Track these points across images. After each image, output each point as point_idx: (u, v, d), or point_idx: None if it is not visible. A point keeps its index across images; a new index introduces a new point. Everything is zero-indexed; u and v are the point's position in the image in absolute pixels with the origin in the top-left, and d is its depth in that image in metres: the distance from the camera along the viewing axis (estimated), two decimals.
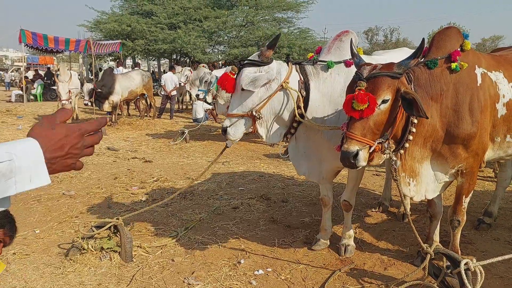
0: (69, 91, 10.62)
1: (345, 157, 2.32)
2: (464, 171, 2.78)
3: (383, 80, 2.35)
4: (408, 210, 4.06)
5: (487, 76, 2.75)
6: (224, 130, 2.83)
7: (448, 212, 3.03)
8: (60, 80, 10.62)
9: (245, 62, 2.79)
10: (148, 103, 12.81)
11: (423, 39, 2.40)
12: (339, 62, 2.97)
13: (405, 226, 3.96)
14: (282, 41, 22.14)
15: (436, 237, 3.24)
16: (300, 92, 2.85)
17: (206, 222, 4.13)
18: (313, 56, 3.11)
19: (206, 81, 10.27)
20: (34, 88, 19.04)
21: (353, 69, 2.76)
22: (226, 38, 24.16)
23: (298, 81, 2.87)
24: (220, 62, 25.71)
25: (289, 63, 2.92)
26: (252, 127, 2.84)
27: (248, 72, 2.73)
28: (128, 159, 7.17)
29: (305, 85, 2.89)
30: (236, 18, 23.15)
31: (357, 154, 2.30)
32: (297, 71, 2.91)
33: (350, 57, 2.82)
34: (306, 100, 2.89)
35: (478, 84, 2.69)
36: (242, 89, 2.73)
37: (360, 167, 2.42)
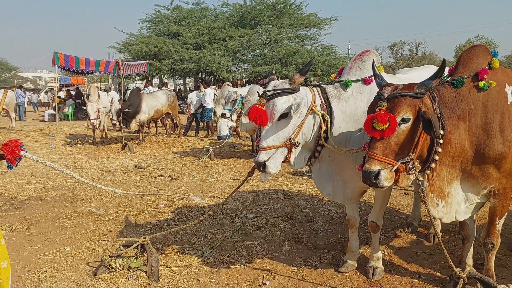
0: (98, 110, 10.96)
1: (366, 176, 2.34)
2: (497, 192, 2.69)
3: (403, 100, 2.37)
4: (439, 231, 3.95)
5: None
6: (263, 165, 2.70)
7: (481, 235, 2.91)
8: (90, 100, 11.01)
9: (277, 91, 2.74)
10: (174, 121, 13.04)
11: (444, 60, 2.42)
12: (357, 81, 2.96)
13: (436, 248, 3.83)
14: (306, 58, 22.29)
15: (469, 260, 3.11)
16: (323, 117, 2.84)
17: (231, 242, 4.13)
18: (336, 77, 3.12)
19: (232, 100, 10.43)
20: (66, 108, 19.81)
21: (374, 86, 2.75)
22: (249, 56, 24.56)
23: (320, 104, 2.87)
24: (244, 80, 26.08)
25: (311, 87, 2.93)
26: (287, 156, 2.80)
27: (283, 102, 2.69)
28: (155, 177, 7.30)
29: (328, 108, 2.88)
30: (259, 36, 23.56)
31: (378, 173, 2.32)
32: (319, 94, 2.91)
33: (369, 75, 2.83)
34: (330, 123, 2.87)
35: (509, 103, 2.63)
36: (278, 119, 2.69)
37: (385, 187, 2.39)
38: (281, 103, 2.70)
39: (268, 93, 2.75)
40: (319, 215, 4.92)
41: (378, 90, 2.54)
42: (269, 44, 24.00)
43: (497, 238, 2.82)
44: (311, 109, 2.80)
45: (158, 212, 5.20)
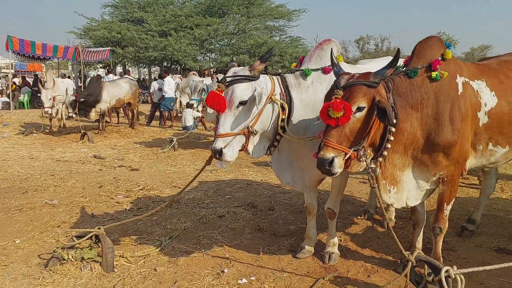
0: (53, 98, 10.44)
1: (321, 163, 2.37)
2: (445, 179, 2.79)
3: (359, 88, 2.41)
4: (388, 217, 4.09)
5: (469, 84, 2.79)
6: (219, 152, 2.66)
7: (430, 220, 3.03)
8: (45, 87, 10.49)
9: (237, 78, 2.69)
10: (133, 111, 12.32)
11: (398, 49, 2.47)
12: (316, 70, 2.98)
13: (389, 233, 3.93)
14: (274, 50, 22.27)
15: (419, 244, 3.24)
16: (282, 106, 2.83)
17: (191, 231, 4.09)
18: (297, 66, 3.12)
19: (199, 90, 10.27)
20: (21, 96, 18.83)
21: (333, 77, 2.78)
22: (217, 46, 24.23)
23: (280, 93, 2.85)
24: (211, 70, 25.78)
25: (271, 75, 2.91)
26: (244, 144, 2.77)
27: (242, 89, 2.66)
28: (115, 168, 7.10)
29: (287, 97, 2.88)
30: (227, 26, 23.28)
31: (332, 161, 2.35)
32: (278, 83, 2.90)
33: (329, 65, 2.85)
34: (288, 111, 2.87)
35: (459, 93, 2.72)
36: (237, 107, 2.66)
37: (337, 174, 2.43)
38: (241, 90, 2.66)
39: (228, 79, 2.70)
40: (280, 203, 4.96)
41: (335, 79, 2.55)
42: (237, 34, 23.77)
43: (444, 223, 2.94)
44: (270, 97, 2.79)
45: (116, 202, 5.06)
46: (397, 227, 4.11)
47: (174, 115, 15.36)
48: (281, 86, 2.90)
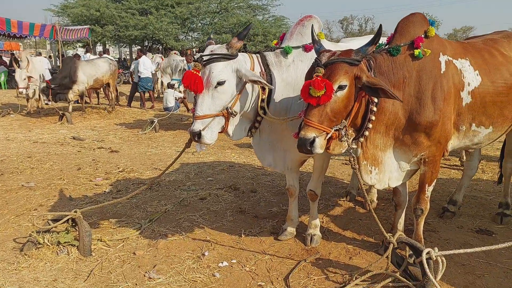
0: (28, 78, 10.02)
1: (302, 144, 2.31)
2: (427, 160, 2.77)
3: (340, 66, 2.34)
4: (370, 198, 4.10)
5: (452, 63, 2.73)
6: (198, 135, 2.56)
7: (411, 201, 3.03)
8: (20, 67, 10.06)
9: (214, 56, 2.55)
10: (112, 92, 11.86)
11: (380, 25, 2.39)
12: (298, 47, 2.88)
13: (371, 215, 3.95)
14: (257, 29, 21.98)
15: (401, 226, 3.25)
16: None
17: (171, 214, 4.02)
18: (278, 44, 3.02)
19: (180, 70, 10.02)
20: None
21: (314, 55, 2.70)
22: (199, 25, 23.80)
23: (260, 72, 2.75)
24: (194, 50, 25.30)
25: (250, 54, 2.81)
26: (224, 126, 2.67)
27: (220, 68, 2.53)
28: (94, 149, 6.92)
29: (268, 76, 2.78)
30: (209, 4, 22.82)
31: (313, 141, 2.30)
32: (258, 62, 2.80)
33: (310, 42, 2.76)
34: (269, 91, 2.78)
35: (442, 72, 2.67)
36: (215, 87, 2.53)
37: (317, 154, 2.37)
38: (218, 70, 2.54)
39: (204, 58, 2.57)
40: (263, 185, 4.92)
41: (316, 56, 2.48)
42: (220, 13, 23.31)
43: (426, 204, 2.94)
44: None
45: (95, 185, 4.94)
46: (379, 209, 4.13)
47: (156, 95, 15.10)
48: (261, 64, 2.80)
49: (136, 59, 14.82)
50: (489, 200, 4.40)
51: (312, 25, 2.80)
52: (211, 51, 2.61)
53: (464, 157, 5.62)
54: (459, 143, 2.96)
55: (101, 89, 12.28)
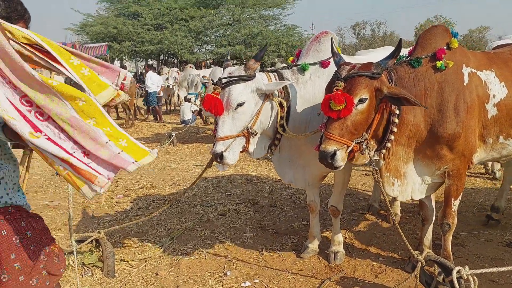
0: None
1: (323, 157, 2.31)
2: (451, 173, 2.71)
3: (360, 80, 2.33)
4: (394, 212, 4.01)
5: (476, 75, 2.67)
6: (220, 156, 2.56)
7: (438, 216, 2.94)
8: None
9: (232, 79, 2.56)
10: (132, 109, 11.74)
11: (400, 40, 2.36)
12: (314, 64, 2.86)
13: (395, 229, 3.87)
14: (269, 39, 22.06)
15: (428, 241, 3.15)
16: (280, 103, 2.72)
17: (192, 231, 4.01)
18: (294, 60, 3.00)
19: (196, 84, 10.11)
20: None
21: (332, 69, 2.69)
22: (213, 37, 24.02)
23: (278, 90, 2.74)
24: (208, 62, 25.56)
25: (267, 72, 2.80)
26: (245, 145, 2.67)
27: (240, 90, 2.54)
28: None
29: (285, 94, 2.77)
30: (222, 17, 23.01)
31: (334, 154, 2.29)
32: (275, 79, 2.79)
33: (326, 58, 2.79)
34: (288, 109, 2.76)
35: (465, 84, 2.61)
36: (235, 108, 2.54)
37: (339, 167, 2.36)
38: (238, 92, 2.54)
39: (223, 81, 2.57)
40: (282, 199, 4.87)
41: (336, 69, 2.47)
42: (233, 24, 23.51)
43: (453, 218, 2.85)
44: (268, 96, 2.68)
45: (116, 202, 4.98)
46: (403, 222, 4.03)
47: (173, 108, 15.28)
48: None
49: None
50: None
51: (332, 38, 2.79)
52: (229, 73, 2.60)
53: (489, 165, 5.50)
54: (486, 155, 2.87)
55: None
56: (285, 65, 3.01)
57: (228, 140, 2.57)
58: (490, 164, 5.43)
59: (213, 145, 2.62)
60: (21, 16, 1.68)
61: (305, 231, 3.79)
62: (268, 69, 2.90)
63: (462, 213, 4.09)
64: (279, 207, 4.60)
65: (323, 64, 2.85)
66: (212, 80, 7.48)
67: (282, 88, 2.75)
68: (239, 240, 3.77)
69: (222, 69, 8.72)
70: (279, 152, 3.03)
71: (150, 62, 30.59)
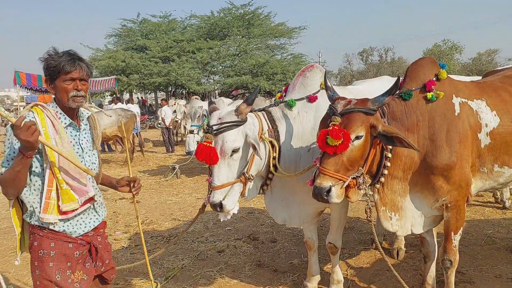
0: None
1: (317, 192, 2.26)
2: (449, 205, 2.61)
3: (357, 116, 2.30)
4: (398, 246, 3.85)
5: (467, 105, 2.63)
6: (219, 205, 2.47)
7: (438, 252, 2.80)
8: None
9: (225, 125, 2.44)
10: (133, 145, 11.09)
11: (398, 78, 2.38)
12: (301, 99, 2.81)
13: (399, 264, 3.70)
14: (276, 68, 22.31)
15: (431, 278, 2.99)
16: (272, 143, 2.65)
17: (188, 270, 3.88)
18: (282, 96, 2.96)
19: (199, 116, 10.16)
20: None
21: (320, 104, 2.68)
22: (220, 68, 24.36)
23: (268, 130, 2.68)
24: (216, 92, 25.86)
25: (256, 112, 2.74)
26: (242, 190, 2.57)
27: (233, 137, 2.44)
28: (116, 200, 6.94)
29: (276, 133, 2.71)
30: (229, 48, 23.41)
31: (330, 190, 2.25)
32: (265, 118, 2.73)
33: (313, 92, 2.76)
34: (278, 147, 2.69)
35: (456, 114, 2.58)
36: (231, 155, 2.45)
37: (335, 202, 2.29)
38: (232, 138, 2.43)
39: (214, 128, 2.45)
40: (283, 234, 4.73)
41: (330, 103, 2.44)
42: (239, 55, 23.88)
43: (454, 254, 2.72)
44: (260, 137, 2.61)
45: (114, 240, 4.88)
46: (407, 257, 3.85)
47: (179, 139, 15.36)
48: (268, 121, 2.73)
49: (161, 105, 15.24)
50: None
51: (325, 70, 2.76)
52: (219, 118, 2.50)
53: (498, 193, 5.30)
54: (483, 185, 2.79)
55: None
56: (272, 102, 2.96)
57: (226, 188, 2.47)
58: (499, 192, 5.23)
59: (209, 195, 2.50)
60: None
61: (306, 268, 3.63)
62: (256, 108, 2.84)
63: (470, 246, 3.90)
64: (279, 242, 4.46)
65: (311, 99, 2.80)
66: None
67: (272, 126, 2.69)
68: (236, 279, 3.63)
69: (223, 99, 8.74)
70: (270, 191, 2.93)
71: (159, 94, 31.15)
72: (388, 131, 2.29)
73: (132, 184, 2.25)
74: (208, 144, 2.40)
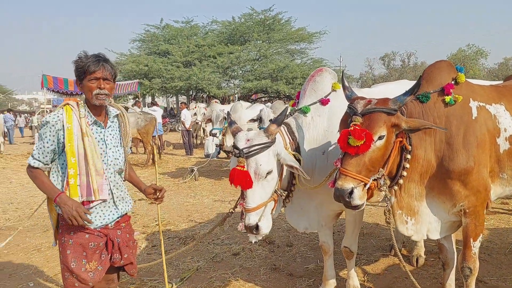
0: None
1: (339, 194, 2.20)
2: (467, 211, 2.52)
3: (379, 116, 2.25)
4: (417, 253, 3.75)
5: (485, 109, 2.56)
6: (256, 227, 2.39)
7: (458, 259, 2.71)
8: None
9: (256, 148, 2.36)
10: (154, 147, 11.31)
11: (420, 77, 2.30)
12: (314, 103, 2.79)
13: (419, 272, 3.60)
14: (296, 72, 22.28)
15: (450, 287, 2.89)
16: (295, 156, 2.61)
17: (203, 271, 3.89)
18: (295, 104, 2.96)
19: (221, 120, 10.24)
20: None
21: (333, 106, 2.68)
22: (240, 72, 24.55)
23: (289, 143, 2.65)
24: (236, 96, 26.03)
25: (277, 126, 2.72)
26: (273, 208, 2.53)
27: (267, 159, 2.38)
28: (135, 201, 7.04)
29: (296, 145, 2.69)
30: (249, 52, 23.58)
31: (352, 191, 2.18)
32: (285, 132, 2.71)
33: (325, 95, 2.76)
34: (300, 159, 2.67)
35: (473, 118, 2.50)
36: (265, 177, 2.39)
37: (358, 206, 2.22)
38: (265, 161, 2.37)
39: (245, 151, 2.37)
40: (299, 238, 4.69)
41: (349, 103, 2.40)
42: (259, 59, 24.00)
43: (474, 262, 2.62)
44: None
45: None
46: (427, 265, 3.75)
47: (199, 142, 15.51)
48: (288, 135, 2.70)
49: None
50: None
51: (343, 71, 2.73)
52: (247, 140, 2.42)
53: None
54: (503, 191, 2.70)
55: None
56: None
57: (261, 209, 2.42)
58: None
59: (244, 217, 2.42)
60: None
61: (321, 273, 3.58)
62: (275, 116, 2.83)
63: (493, 255, 3.76)
64: (295, 247, 4.42)
65: (323, 102, 2.78)
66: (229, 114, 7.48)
67: (292, 139, 2.68)
68: (251, 283, 3.61)
69: (241, 103, 8.65)
70: (290, 203, 2.90)
71: (180, 98, 31.56)
72: (413, 126, 2.26)
73: (158, 194, 2.46)
74: (241, 169, 2.33)
